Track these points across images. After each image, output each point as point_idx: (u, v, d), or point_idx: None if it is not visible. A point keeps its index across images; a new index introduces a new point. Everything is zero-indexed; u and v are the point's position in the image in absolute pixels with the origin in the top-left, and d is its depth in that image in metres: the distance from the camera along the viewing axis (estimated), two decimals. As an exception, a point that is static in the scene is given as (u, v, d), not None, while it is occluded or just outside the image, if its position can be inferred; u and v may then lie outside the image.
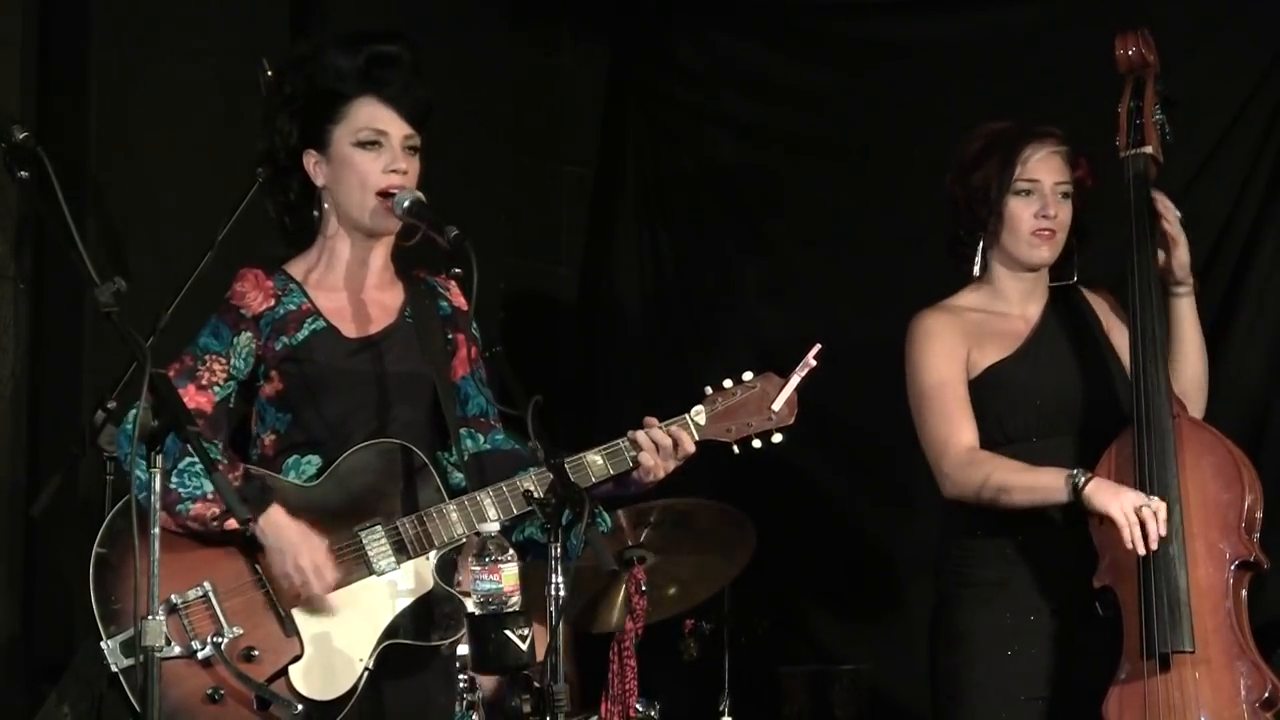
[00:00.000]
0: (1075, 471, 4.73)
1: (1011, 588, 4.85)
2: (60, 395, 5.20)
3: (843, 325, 6.17)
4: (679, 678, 5.93)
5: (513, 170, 6.63)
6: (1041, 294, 5.02)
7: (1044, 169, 4.93)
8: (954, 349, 4.93)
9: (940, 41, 6.32)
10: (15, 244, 5.13)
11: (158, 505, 3.74)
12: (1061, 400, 4.92)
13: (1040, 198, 4.93)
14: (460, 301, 4.41)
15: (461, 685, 4.86)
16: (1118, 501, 4.67)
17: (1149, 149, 4.98)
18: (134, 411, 3.78)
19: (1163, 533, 4.66)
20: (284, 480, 4.22)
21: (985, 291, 5.01)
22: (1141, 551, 4.65)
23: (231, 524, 4.07)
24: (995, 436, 4.91)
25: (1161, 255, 4.92)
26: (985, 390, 4.92)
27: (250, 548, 4.15)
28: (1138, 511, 4.65)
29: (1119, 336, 4.99)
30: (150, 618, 3.71)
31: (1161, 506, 4.67)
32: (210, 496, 4.08)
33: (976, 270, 4.98)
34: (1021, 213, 4.92)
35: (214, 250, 4.95)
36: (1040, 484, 4.76)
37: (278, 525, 4.11)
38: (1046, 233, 4.92)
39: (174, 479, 4.07)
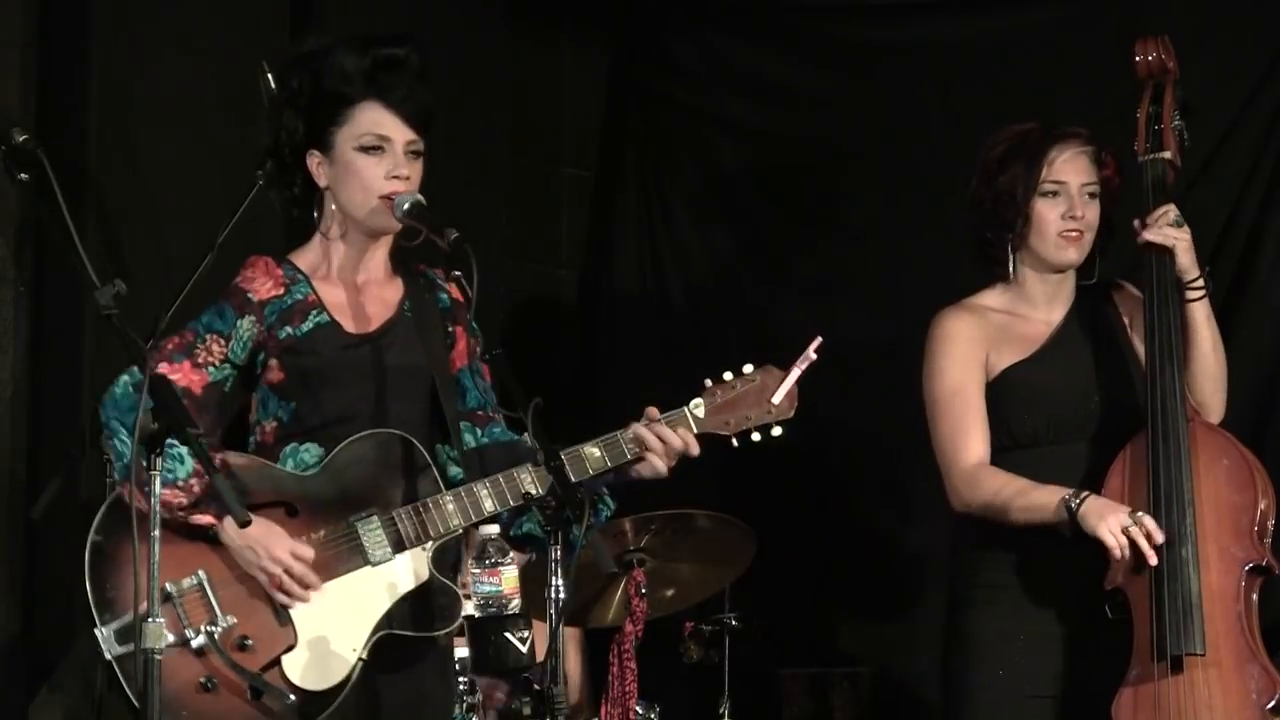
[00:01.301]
0: (1070, 494, 4.71)
1: (1021, 589, 4.83)
2: (60, 396, 5.19)
3: (843, 326, 6.15)
4: (679, 680, 5.92)
5: (512, 172, 6.62)
6: (1067, 296, 4.98)
7: (1070, 170, 4.91)
8: (972, 353, 4.90)
9: (940, 42, 6.31)
10: (16, 246, 5.12)
11: (158, 508, 3.73)
12: (1075, 405, 4.89)
13: (1067, 199, 4.90)
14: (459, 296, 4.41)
15: (461, 687, 4.85)
16: (1104, 524, 4.65)
17: (1167, 154, 4.96)
18: (122, 377, 3.89)
19: (1158, 541, 4.65)
20: (281, 469, 4.21)
21: (1011, 293, 4.97)
22: (1153, 561, 4.64)
23: (198, 519, 4.08)
24: (1005, 441, 4.89)
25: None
26: (999, 393, 4.89)
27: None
28: (1125, 532, 4.65)
29: (1141, 339, 4.94)
30: (151, 620, 3.70)
31: (1149, 521, 4.66)
32: (181, 484, 4.07)
33: (1011, 273, 4.94)
34: (1048, 214, 4.89)
35: (214, 252, 4.94)
36: (1037, 504, 4.74)
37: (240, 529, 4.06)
38: (1074, 234, 4.90)
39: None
